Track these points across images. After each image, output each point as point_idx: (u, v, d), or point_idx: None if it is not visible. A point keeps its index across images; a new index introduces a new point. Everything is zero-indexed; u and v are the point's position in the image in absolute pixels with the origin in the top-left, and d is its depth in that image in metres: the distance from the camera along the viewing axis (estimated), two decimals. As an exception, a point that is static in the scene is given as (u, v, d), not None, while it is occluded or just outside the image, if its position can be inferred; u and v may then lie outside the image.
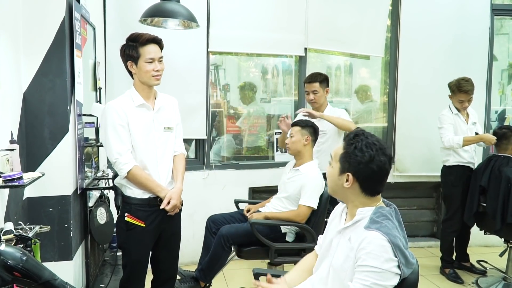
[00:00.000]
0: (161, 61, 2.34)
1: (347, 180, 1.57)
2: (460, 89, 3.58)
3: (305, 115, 3.29)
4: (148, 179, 2.33)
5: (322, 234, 1.84)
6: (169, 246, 2.51)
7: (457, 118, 3.68)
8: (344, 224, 1.65)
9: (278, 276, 1.84)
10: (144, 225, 2.33)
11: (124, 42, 2.33)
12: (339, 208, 1.78)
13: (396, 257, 1.46)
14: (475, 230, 3.74)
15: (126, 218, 2.32)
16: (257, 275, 1.98)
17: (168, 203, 2.33)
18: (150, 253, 2.50)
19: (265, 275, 1.96)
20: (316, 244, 1.89)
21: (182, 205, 2.46)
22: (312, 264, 1.85)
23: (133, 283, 2.43)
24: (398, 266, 1.47)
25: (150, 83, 2.33)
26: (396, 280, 1.48)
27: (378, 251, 1.46)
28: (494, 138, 3.53)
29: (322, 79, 3.41)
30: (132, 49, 2.29)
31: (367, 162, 1.53)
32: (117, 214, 2.47)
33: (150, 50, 2.29)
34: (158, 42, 2.35)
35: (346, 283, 1.53)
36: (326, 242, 1.72)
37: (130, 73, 2.37)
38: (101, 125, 2.42)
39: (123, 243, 2.41)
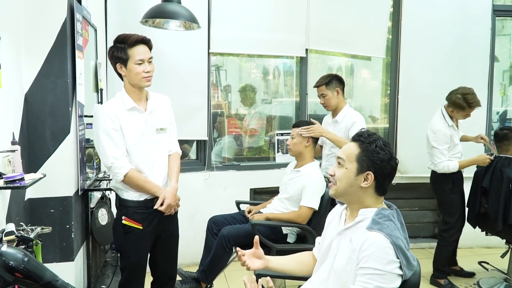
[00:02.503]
0: (150, 61, 2.31)
1: (365, 179, 1.56)
2: (471, 105, 3.41)
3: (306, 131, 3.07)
4: (145, 181, 2.32)
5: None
6: (167, 247, 2.51)
7: (452, 130, 3.52)
8: (344, 225, 1.65)
9: (279, 277, 1.84)
10: (141, 228, 2.32)
11: (111, 45, 2.33)
12: (337, 209, 1.77)
13: (398, 258, 1.46)
14: (476, 231, 3.72)
15: (123, 221, 2.31)
16: (258, 276, 1.97)
17: (162, 204, 2.32)
18: (149, 254, 2.50)
19: (266, 276, 1.96)
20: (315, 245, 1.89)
21: (179, 203, 2.45)
22: (306, 259, 1.86)
23: (132, 285, 2.42)
24: (400, 267, 1.46)
25: (141, 84, 2.30)
26: (398, 282, 1.47)
27: (380, 253, 1.45)
28: (488, 157, 3.47)
29: (328, 80, 3.25)
30: (120, 51, 2.26)
31: (388, 159, 1.56)
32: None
33: (139, 51, 2.26)
34: (146, 42, 2.31)
35: (348, 285, 1.52)
36: (325, 244, 1.71)
37: (120, 75, 2.35)
38: (93, 130, 2.41)
39: (121, 246, 2.41)
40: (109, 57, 2.33)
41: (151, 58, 2.31)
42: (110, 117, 2.25)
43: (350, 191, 1.59)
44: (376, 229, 1.49)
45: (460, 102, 3.42)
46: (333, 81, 3.27)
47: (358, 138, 1.61)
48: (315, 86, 3.34)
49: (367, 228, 1.51)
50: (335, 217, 1.74)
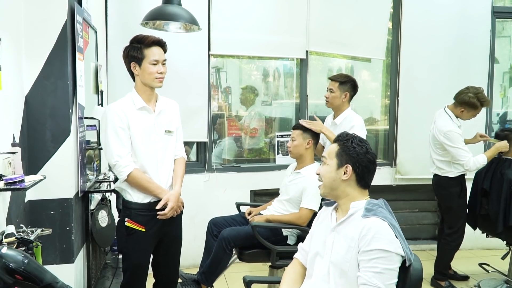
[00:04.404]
0: (164, 64, 2.35)
1: (345, 173, 1.69)
2: (483, 104, 3.43)
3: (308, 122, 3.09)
4: (148, 181, 2.32)
5: None
6: (170, 250, 2.50)
7: (460, 131, 3.48)
8: (336, 221, 1.71)
9: (275, 282, 1.86)
10: (144, 230, 2.32)
11: (127, 45, 2.34)
12: (324, 212, 1.84)
13: (397, 237, 1.55)
14: (477, 233, 3.72)
15: (126, 223, 2.31)
16: (249, 283, 1.97)
17: (165, 207, 2.32)
18: (151, 257, 2.50)
19: (258, 282, 1.98)
20: (306, 251, 1.90)
21: (183, 207, 2.45)
22: (299, 272, 1.89)
23: (134, 287, 2.42)
24: (402, 248, 1.54)
25: (153, 85, 2.33)
26: (399, 263, 1.55)
27: (381, 234, 1.54)
28: (507, 143, 3.44)
29: (344, 80, 3.20)
30: (136, 50, 2.29)
31: (364, 153, 1.70)
32: (118, 217, 2.47)
33: (154, 52, 2.30)
34: (162, 45, 2.36)
35: (351, 274, 1.57)
36: (319, 244, 1.75)
37: (132, 75, 2.37)
38: (101, 127, 2.42)
39: (123, 248, 2.40)
40: (124, 56, 2.35)
41: (165, 60, 2.36)
42: (118, 115, 2.27)
43: (334, 185, 1.72)
44: (371, 215, 1.59)
45: (474, 101, 3.42)
46: (348, 84, 3.21)
47: (337, 138, 1.78)
48: (330, 78, 3.29)
49: (362, 216, 1.61)
50: (325, 217, 1.80)
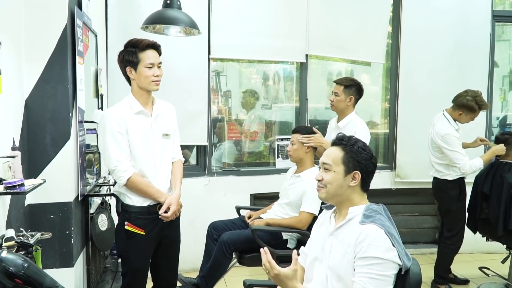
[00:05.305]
0: (159, 66, 2.35)
1: (353, 179, 1.66)
2: (481, 107, 3.45)
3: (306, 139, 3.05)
4: (148, 185, 2.32)
5: None
6: (169, 252, 2.51)
7: (458, 134, 3.49)
8: (335, 226, 1.70)
9: (273, 286, 1.86)
10: (144, 233, 2.33)
11: (121, 49, 2.34)
12: (324, 215, 1.83)
13: (394, 246, 1.53)
14: (477, 237, 3.72)
15: (126, 227, 2.31)
16: (249, 287, 1.97)
17: (167, 211, 2.33)
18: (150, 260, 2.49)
19: (258, 286, 1.98)
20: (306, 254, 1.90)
21: (181, 207, 2.45)
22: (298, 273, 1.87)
23: (133, 291, 2.42)
24: (398, 256, 1.53)
25: (149, 88, 2.33)
26: (396, 271, 1.54)
27: (377, 242, 1.52)
28: (503, 147, 3.44)
29: (349, 84, 3.20)
30: (131, 54, 2.29)
31: (370, 158, 1.69)
32: (118, 221, 2.47)
33: (149, 55, 2.30)
34: (157, 48, 2.36)
35: (347, 279, 1.56)
36: (318, 248, 1.75)
37: (128, 79, 2.38)
38: (99, 133, 2.43)
39: (123, 252, 2.41)
40: (119, 61, 2.35)
41: (160, 63, 2.36)
42: (117, 120, 2.27)
43: (340, 192, 1.68)
44: (369, 222, 1.57)
45: (472, 105, 3.43)
46: (353, 88, 3.21)
47: (340, 142, 1.72)
48: (336, 82, 3.29)
49: (360, 222, 1.59)
50: (324, 221, 1.79)
